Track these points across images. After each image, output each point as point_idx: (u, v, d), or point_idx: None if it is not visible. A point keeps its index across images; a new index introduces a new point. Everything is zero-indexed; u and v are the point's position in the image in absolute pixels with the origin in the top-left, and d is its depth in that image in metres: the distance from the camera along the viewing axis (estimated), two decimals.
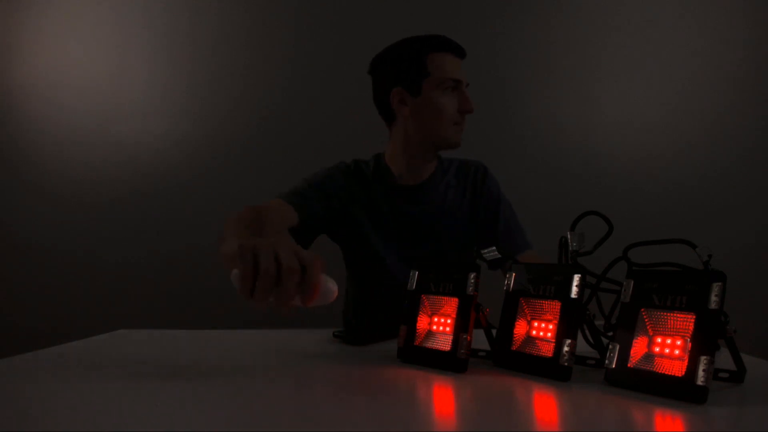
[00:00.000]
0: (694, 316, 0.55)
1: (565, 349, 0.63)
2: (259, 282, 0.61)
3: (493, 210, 1.29)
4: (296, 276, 0.61)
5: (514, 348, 0.69)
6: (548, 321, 0.67)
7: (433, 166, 1.29)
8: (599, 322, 0.72)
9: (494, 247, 0.80)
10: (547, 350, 0.65)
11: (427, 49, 1.18)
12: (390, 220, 1.24)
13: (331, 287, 0.65)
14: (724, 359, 0.61)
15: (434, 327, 0.73)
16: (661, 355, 0.56)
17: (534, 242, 1.31)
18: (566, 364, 0.62)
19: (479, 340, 0.74)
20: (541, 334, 0.67)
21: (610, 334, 0.67)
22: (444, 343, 0.70)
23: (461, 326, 0.68)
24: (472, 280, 0.69)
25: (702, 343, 0.53)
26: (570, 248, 0.72)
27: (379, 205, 1.25)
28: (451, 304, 0.71)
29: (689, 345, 0.54)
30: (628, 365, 0.58)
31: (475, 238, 1.28)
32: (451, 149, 1.24)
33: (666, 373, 0.55)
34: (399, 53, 1.21)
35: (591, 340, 0.72)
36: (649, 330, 0.58)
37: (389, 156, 1.28)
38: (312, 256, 0.64)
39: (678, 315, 0.56)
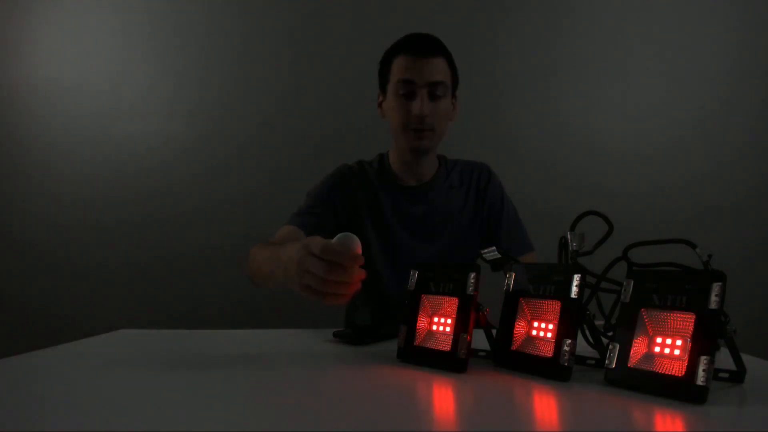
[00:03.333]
0: (694, 316, 0.55)
1: (565, 349, 0.62)
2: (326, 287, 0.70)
3: (496, 212, 1.29)
4: (338, 273, 0.69)
5: (514, 348, 0.69)
6: (548, 321, 0.67)
7: (435, 167, 1.29)
8: (599, 322, 0.72)
9: (494, 248, 0.80)
10: (547, 350, 0.65)
11: (393, 52, 1.18)
12: (393, 220, 1.24)
13: (350, 243, 0.72)
14: (724, 359, 0.61)
15: (434, 327, 0.73)
16: (661, 355, 0.56)
17: (534, 242, 1.31)
18: (566, 364, 0.62)
19: (479, 340, 0.74)
20: (541, 334, 0.67)
21: (610, 334, 0.67)
22: (444, 343, 0.70)
23: (461, 326, 0.68)
24: (472, 280, 0.69)
25: (702, 343, 0.53)
26: (570, 248, 0.72)
27: (382, 206, 1.25)
28: (451, 304, 0.71)
29: (689, 345, 0.54)
30: (628, 365, 0.58)
31: (478, 239, 1.28)
32: (413, 154, 1.21)
33: (666, 373, 0.55)
34: (382, 58, 1.23)
35: (591, 340, 0.72)
36: (649, 330, 0.58)
37: (392, 156, 1.29)
38: (321, 244, 0.70)
39: (678, 315, 0.56)
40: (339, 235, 0.73)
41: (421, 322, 0.74)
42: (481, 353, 0.75)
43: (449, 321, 0.71)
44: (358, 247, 0.72)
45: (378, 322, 0.99)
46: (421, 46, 1.14)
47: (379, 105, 1.25)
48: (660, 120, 2.01)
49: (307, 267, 0.70)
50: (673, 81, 2.01)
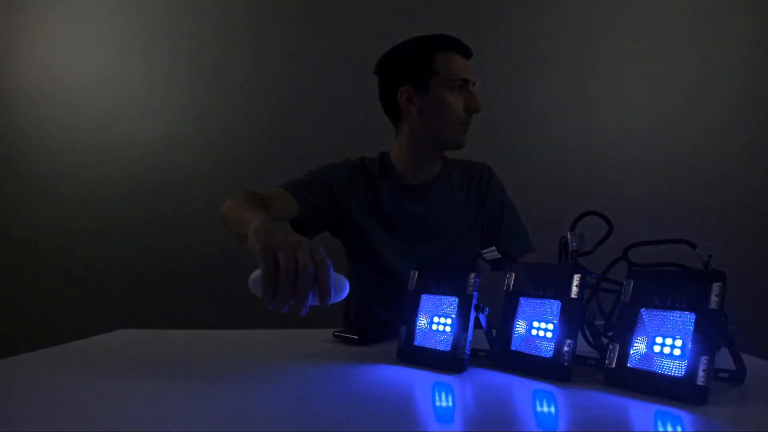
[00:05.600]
0: (694, 316, 0.55)
1: (565, 349, 0.62)
2: (280, 285, 0.62)
3: (497, 212, 1.29)
4: (310, 277, 0.63)
5: (514, 348, 0.69)
6: (548, 321, 0.67)
7: (438, 166, 1.29)
8: (599, 322, 0.72)
9: (494, 248, 0.80)
10: (547, 350, 0.65)
11: (434, 48, 1.18)
12: (393, 219, 1.24)
13: (343, 284, 0.68)
14: (724, 359, 0.61)
15: (434, 327, 0.73)
16: (661, 355, 0.56)
17: (534, 242, 1.31)
18: (566, 364, 0.62)
19: (479, 340, 0.74)
20: (541, 334, 0.67)
21: (610, 334, 0.67)
22: (444, 343, 0.70)
23: (461, 326, 0.68)
24: (472, 280, 0.69)
25: (702, 343, 0.53)
26: (570, 248, 0.72)
27: (383, 204, 1.25)
28: (451, 304, 0.71)
29: (689, 345, 0.54)
30: (628, 365, 0.58)
31: (479, 239, 1.28)
32: (457, 149, 1.23)
33: (666, 373, 0.55)
34: (407, 52, 1.21)
35: (591, 340, 0.72)
36: (649, 330, 0.58)
37: (395, 155, 1.28)
38: (324, 255, 0.65)
39: (678, 315, 0.56)
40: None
41: (421, 322, 0.74)
42: (481, 353, 0.75)
43: (449, 321, 0.71)
44: (346, 290, 0.69)
45: (392, 319, 0.98)
46: (466, 47, 1.21)
47: (407, 99, 1.19)
48: (660, 119, 2.01)
49: (288, 250, 0.63)
50: (674, 80, 2.01)
